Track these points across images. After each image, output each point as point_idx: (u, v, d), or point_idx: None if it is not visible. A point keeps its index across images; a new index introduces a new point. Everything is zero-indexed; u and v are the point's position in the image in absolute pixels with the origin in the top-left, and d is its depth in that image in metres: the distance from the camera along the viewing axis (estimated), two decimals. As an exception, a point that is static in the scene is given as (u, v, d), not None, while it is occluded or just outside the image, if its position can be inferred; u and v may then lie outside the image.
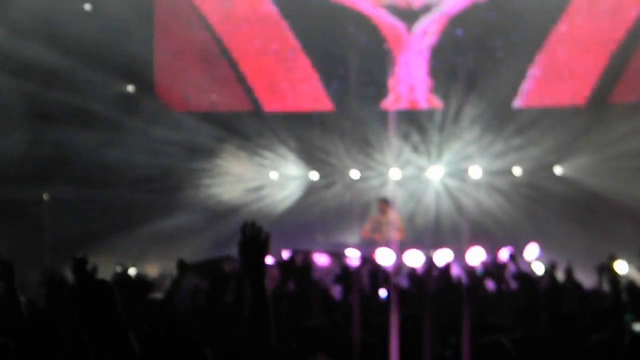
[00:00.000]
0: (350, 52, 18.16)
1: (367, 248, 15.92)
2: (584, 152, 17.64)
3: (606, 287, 7.47)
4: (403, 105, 18.46)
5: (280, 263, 7.15)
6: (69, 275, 6.23)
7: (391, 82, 18.40)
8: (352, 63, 18.15)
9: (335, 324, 6.05)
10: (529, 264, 14.55)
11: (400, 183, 18.56)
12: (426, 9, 18.10)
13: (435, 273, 9.46)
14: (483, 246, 15.83)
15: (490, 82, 17.83)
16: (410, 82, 18.37)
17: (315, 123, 18.65)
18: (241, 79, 18.46)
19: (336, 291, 8.22)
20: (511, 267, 9.15)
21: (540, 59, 17.92)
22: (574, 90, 17.98)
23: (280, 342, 4.30)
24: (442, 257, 15.31)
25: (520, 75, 17.96)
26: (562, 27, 17.74)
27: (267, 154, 18.67)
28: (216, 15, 18.26)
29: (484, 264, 11.68)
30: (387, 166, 18.52)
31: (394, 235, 16.48)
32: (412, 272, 9.95)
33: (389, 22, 18.20)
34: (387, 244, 16.11)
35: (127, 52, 17.11)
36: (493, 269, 9.16)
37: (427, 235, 17.38)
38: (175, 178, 18.05)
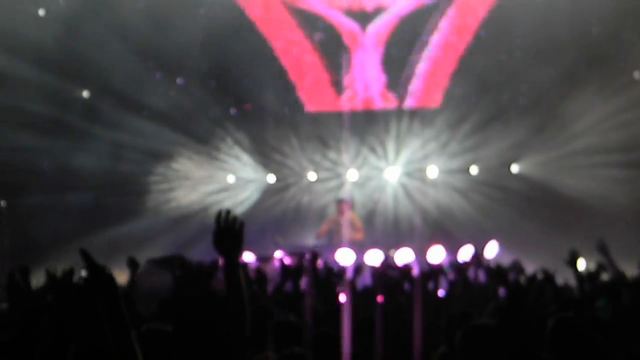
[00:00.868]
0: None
1: (326, 248, 15.88)
2: (539, 150, 17.81)
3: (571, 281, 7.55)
4: (359, 104, 18.52)
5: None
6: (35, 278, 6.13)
7: (346, 81, 18.46)
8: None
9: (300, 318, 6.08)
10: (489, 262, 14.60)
11: (357, 184, 18.59)
12: (379, 11, 18.28)
13: (395, 272, 9.44)
14: (443, 245, 15.89)
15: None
16: (366, 80, 18.45)
17: (271, 124, 18.62)
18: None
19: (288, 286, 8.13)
20: (477, 264, 9.19)
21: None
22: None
23: (255, 332, 4.26)
24: (403, 256, 15.35)
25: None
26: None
27: (225, 157, 18.60)
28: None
29: (449, 261, 11.71)
30: (345, 167, 18.54)
31: (353, 235, 16.49)
32: (374, 270, 9.93)
33: (344, 22, 18.30)
34: (346, 244, 16.10)
35: (82, 56, 16.99)
36: (460, 265, 9.19)
37: (386, 235, 17.41)
38: (134, 183, 17.92)
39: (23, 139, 16.51)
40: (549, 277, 6.76)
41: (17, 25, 16.16)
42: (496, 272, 7.01)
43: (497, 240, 15.47)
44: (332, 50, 18.36)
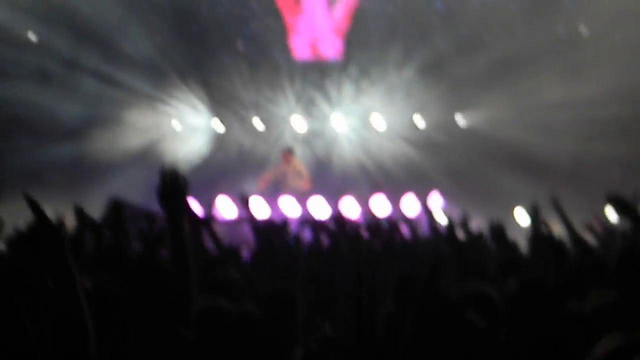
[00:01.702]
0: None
1: (269, 197, 15.84)
2: (487, 105, 17.81)
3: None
4: (308, 53, 18.38)
5: None
6: None
7: (296, 30, 18.31)
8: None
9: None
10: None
11: (305, 133, 18.53)
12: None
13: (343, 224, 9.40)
14: (386, 195, 15.98)
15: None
16: (315, 29, 18.30)
17: (219, 69, 18.40)
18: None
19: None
20: (424, 218, 9.14)
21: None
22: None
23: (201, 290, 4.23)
24: (348, 205, 15.43)
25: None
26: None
27: (171, 101, 18.27)
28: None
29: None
30: (292, 116, 18.44)
31: (299, 184, 16.47)
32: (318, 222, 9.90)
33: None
34: (292, 193, 16.09)
35: None
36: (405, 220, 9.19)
37: (333, 184, 17.38)
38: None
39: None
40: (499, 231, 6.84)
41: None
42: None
43: (440, 192, 15.53)
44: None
